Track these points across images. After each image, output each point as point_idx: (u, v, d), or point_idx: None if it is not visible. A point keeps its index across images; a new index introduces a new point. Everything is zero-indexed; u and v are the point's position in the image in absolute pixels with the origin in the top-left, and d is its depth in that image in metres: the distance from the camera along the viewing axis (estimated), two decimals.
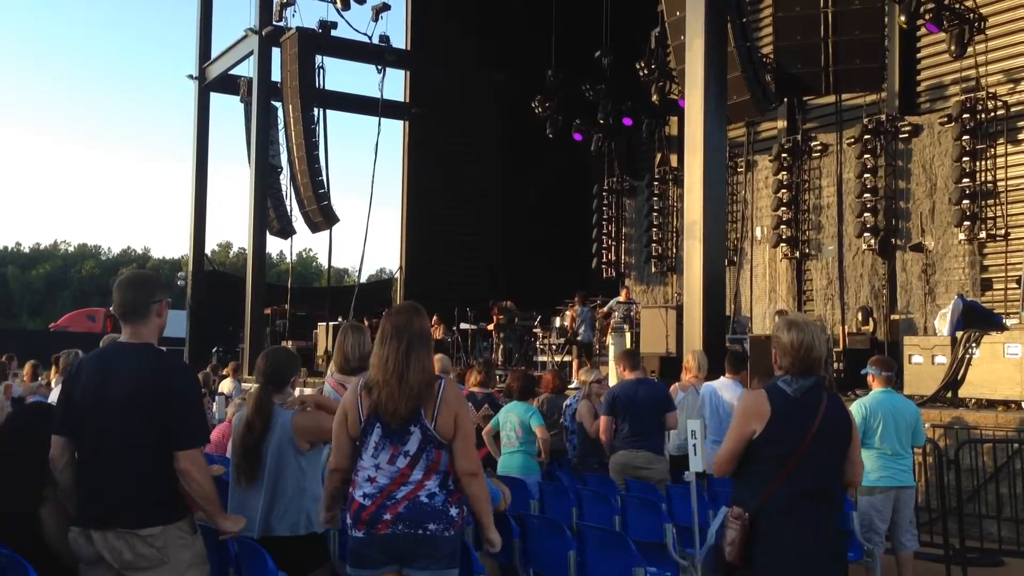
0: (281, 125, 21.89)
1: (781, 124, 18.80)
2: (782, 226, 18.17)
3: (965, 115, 15.14)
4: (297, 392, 4.84)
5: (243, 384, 14.51)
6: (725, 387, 7.69)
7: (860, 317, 15.51)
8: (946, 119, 15.63)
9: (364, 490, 3.53)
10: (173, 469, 3.43)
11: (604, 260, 22.64)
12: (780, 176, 18.24)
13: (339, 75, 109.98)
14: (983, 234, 15.07)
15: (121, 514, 3.36)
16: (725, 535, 3.51)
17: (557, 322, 17.62)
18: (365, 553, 3.49)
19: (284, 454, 4.20)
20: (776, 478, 3.46)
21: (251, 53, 21.50)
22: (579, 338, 16.46)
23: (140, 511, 3.38)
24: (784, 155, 18.18)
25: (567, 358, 16.95)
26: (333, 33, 20.64)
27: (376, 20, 20.08)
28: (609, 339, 15.49)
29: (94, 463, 3.44)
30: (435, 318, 18.83)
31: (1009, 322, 10.96)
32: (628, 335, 14.88)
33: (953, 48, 14.72)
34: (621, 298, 16.89)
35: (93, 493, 3.42)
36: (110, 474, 3.40)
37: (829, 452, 3.57)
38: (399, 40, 23.26)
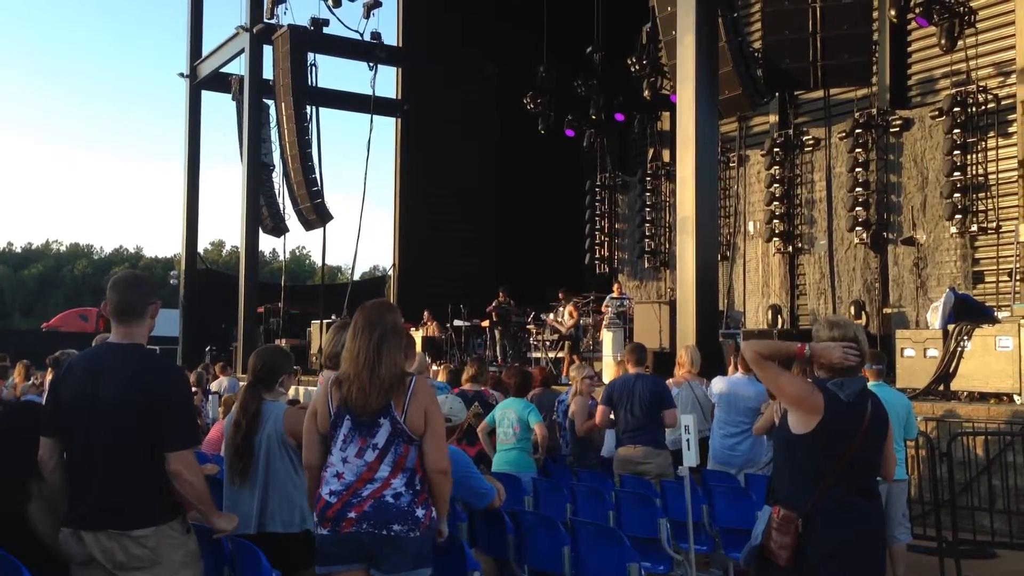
0: (273, 123, 21.86)
1: (773, 119, 18.83)
2: (775, 220, 18.20)
3: (956, 109, 15.17)
4: (291, 392, 4.86)
5: (240, 382, 14.47)
6: (741, 384, 7.68)
7: (852, 311, 15.55)
8: (937, 113, 15.66)
9: (331, 487, 3.53)
10: (165, 469, 3.43)
11: (597, 256, 22.65)
12: (772, 171, 18.26)
13: (331, 72, 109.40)
14: (974, 227, 15.11)
15: (113, 515, 3.36)
16: (773, 537, 3.50)
17: (551, 320, 17.62)
18: (329, 551, 3.49)
19: (274, 449, 4.21)
20: (827, 479, 3.48)
21: (242, 51, 21.44)
22: (579, 333, 16.54)
23: (132, 512, 3.38)
24: (776, 150, 18.21)
25: (560, 354, 16.98)
26: (325, 30, 20.62)
27: (367, 17, 20.09)
28: (603, 335, 15.50)
29: (85, 464, 3.43)
30: (427, 315, 18.82)
31: (1001, 315, 11.00)
32: (622, 331, 14.88)
33: (943, 42, 14.74)
34: (614, 293, 16.94)
35: (84, 494, 3.41)
36: (101, 475, 3.39)
37: (874, 450, 3.62)
38: (390, 37, 23.26)
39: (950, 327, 10.14)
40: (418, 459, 3.56)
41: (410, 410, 3.53)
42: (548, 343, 17.37)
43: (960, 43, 14.86)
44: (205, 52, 23.82)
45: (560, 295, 17.20)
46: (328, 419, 3.59)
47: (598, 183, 22.81)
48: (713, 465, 7.59)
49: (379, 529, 3.44)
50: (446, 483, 3.61)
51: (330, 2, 19.52)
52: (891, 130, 16.55)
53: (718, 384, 7.90)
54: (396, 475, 3.51)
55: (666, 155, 21.05)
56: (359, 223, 25.79)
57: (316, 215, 20.79)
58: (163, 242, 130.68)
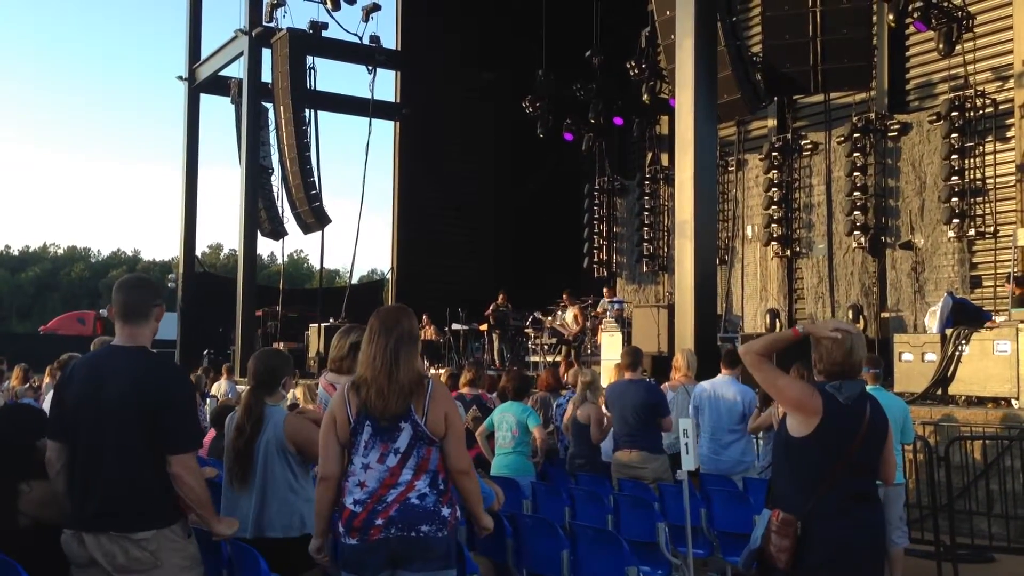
0: (272, 126, 21.87)
1: (771, 123, 18.85)
2: (773, 225, 18.21)
3: (953, 113, 15.19)
4: (290, 395, 4.86)
5: (237, 386, 14.46)
6: (723, 384, 7.66)
7: (850, 315, 15.56)
8: (935, 117, 15.68)
9: (355, 496, 3.52)
10: (167, 472, 3.44)
11: (595, 260, 22.65)
12: (770, 175, 18.28)
13: (330, 76, 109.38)
14: (972, 231, 15.13)
15: (115, 517, 3.36)
16: (772, 541, 3.51)
17: (549, 322, 17.64)
18: (360, 560, 3.48)
19: (273, 454, 4.22)
20: (825, 482, 3.49)
21: (241, 54, 21.44)
22: (581, 337, 16.57)
23: (134, 514, 3.38)
24: (774, 154, 18.22)
25: (558, 358, 16.97)
26: (324, 34, 20.64)
27: (366, 20, 20.14)
28: (601, 338, 15.54)
29: (89, 466, 3.43)
30: (425, 318, 18.82)
31: (998, 319, 11.01)
32: (620, 334, 14.90)
33: (941, 46, 14.77)
34: (605, 297, 17.04)
35: (87, 496, 3.42)
36: (105, 477, 3.39)
37: (873, 453, 3.63)
38: (389, 40, 23.29)
39: (948, 331, 10.16)
40: (440, 460, 3.57)
41: (431, 413, 3.53)
42: (547, 347, 17.38)
43: (958, 47, 14.89)
44: (204, 55, 23.82)
45: (564, 296, 17.20)
46: (348, 426, 3.56)
47: (596, 187, 22.81)
48: (701, 471, 7.55)
49: (408, 532, 3.45)
50: (469, 482, 3.63)
51: (329, 5, 19.55)
52: (889, 134, 16.56)
53: (701, 388, 7.82)
54: (419, 477, 3.52)
55: (665, 159, 21.06)
56: (357, 226, 25.81)
57: (314, 218, 20.80)
58: (161, 245, 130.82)
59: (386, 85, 24.03)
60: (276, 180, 22.49)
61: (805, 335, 3.75)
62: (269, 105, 21.65)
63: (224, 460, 4.48)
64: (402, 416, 3.52)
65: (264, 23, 20.74)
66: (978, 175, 15.19)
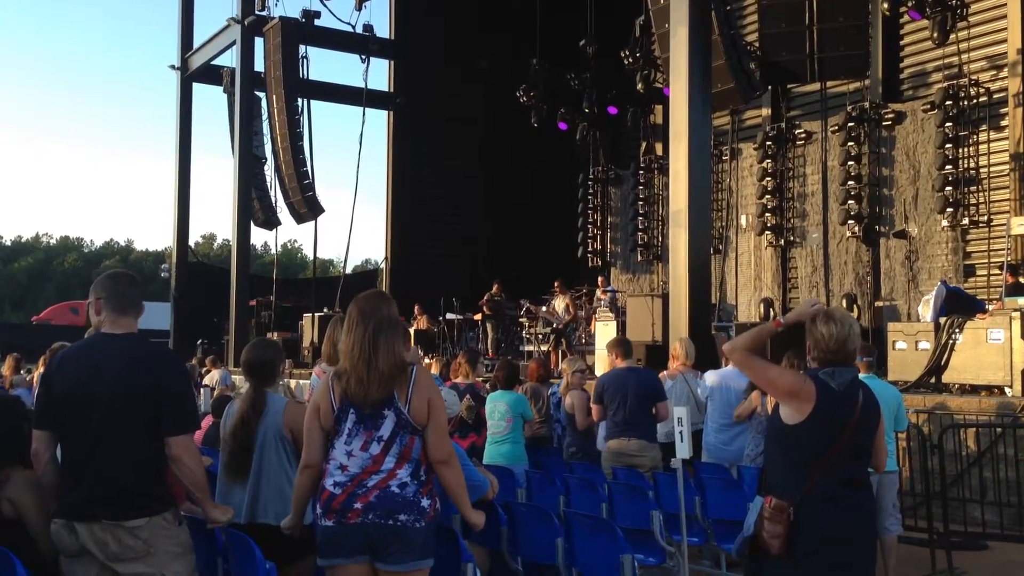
0: (265, 115, 21.79)
1: (765, 112, 18.82)
2: (767, 214, 18.21)
3: (948, 102, 15.19)
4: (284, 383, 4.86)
5: (232, 375, 14.45)
6: (732, 374, 7.66)
7: (844, 304, 15.58)
8: (929, 106, 15.68)
9: (335, 478, 3.52)
10: (160, 460, 3.43)
11: (590, 249, 22.65)
12: (765, 164, 18.26)
13: (323, 65, 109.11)
14: (966, 220, 15.14)
15: (108, 506, 3.35)
16: (765, 527, 3.52)
17: (540, 311, 17.64)
18: (335, 542, 3.48)
19: (271, 442, 4.22)
20: (817, 468, 3.50)
21: (234, 43, 21.36)
22: (575, 325, 16.60)
23: (128, 502, 3.37)
24: (768, 143, 18.20)
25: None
26: (316, 23, 20.55)
27: (359, 9, 19.99)
28: (596, 327, 15.55)
29: (82, 455, 3.42)
30: (418, 308, 18.81)
31: (991, 307, 11.03)
32: (614, 323, 14.91)
33: (935, 35, 14.74)
34: (599, 286, 17.09)
35: (80, 485, 3.40)
36: (98, 466, 3.38)
37: (866, 440, 3.64)
38: (383, 29, 23.18)
39: (942, 320, 10.18)
40: (423, 450, 3.56)
41: (414, 400, 3.52)
42: (540, 336, 17.38)
43: (952, 36, 14.87)
44: (196, 44, 23.72)
45: (556, 285, 17.22)
46: (332, 414, 3.56)
47: (591, 176, 22.79)
48: (707, 459, 7.58)
49: (385, 519, 3.43)
50: (450, 472, 3.59)
51: None
52: (883, 124, 16.55)
53: (710, 378, 7.88)
54: (401, 466, 3.51)
55: (659, 148, 21.03)
56: (351, 216, 25.78)
57: (307, 208, 20.75)
58: (154, 235, 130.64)
59: (380, 74, 23.93)
60: (269, 170, 22.42)
61: (787, 326, 3.75)
62: (262, 94, 21.57)
63: (220, 450, 4.49)
64: (385, 403, 3.51)
65: (256, 12, 20.61)
66: (972, 164, 15.20)
